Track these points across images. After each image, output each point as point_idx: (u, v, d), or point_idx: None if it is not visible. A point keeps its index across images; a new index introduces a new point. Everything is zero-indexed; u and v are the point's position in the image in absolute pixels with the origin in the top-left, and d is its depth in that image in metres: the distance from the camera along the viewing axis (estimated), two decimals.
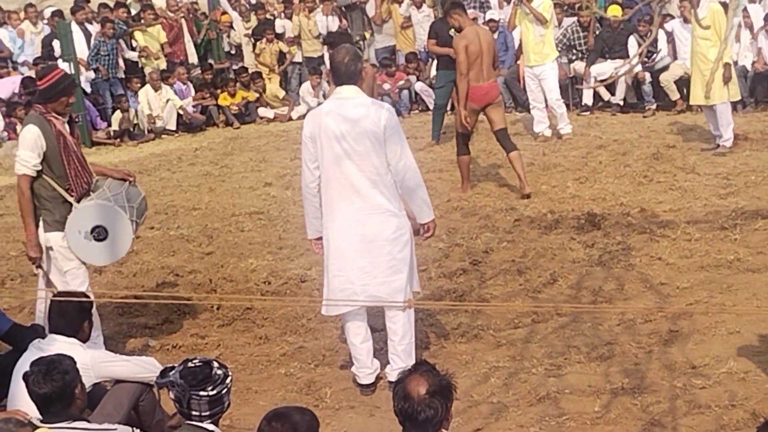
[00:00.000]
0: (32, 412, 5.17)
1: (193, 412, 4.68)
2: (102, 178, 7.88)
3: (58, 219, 7.51)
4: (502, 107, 12.75)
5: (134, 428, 5.43)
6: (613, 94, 17.54)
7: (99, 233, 7.54)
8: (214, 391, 4.68)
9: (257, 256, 10.36)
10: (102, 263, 8.27)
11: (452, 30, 14.88)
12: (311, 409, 6.79)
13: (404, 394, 4.48)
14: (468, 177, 12.56)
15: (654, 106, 17.04)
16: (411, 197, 7.01)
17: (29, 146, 7.38)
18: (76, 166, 7.55)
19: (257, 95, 19.75)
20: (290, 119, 18.93)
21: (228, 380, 4.78)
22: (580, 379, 7.05)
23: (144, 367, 6.02)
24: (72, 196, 7.52)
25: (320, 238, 7.13)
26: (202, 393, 4.65)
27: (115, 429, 5.22)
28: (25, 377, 5.15)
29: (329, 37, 11.53)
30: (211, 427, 4.70)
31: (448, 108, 16.70)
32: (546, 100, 15.46)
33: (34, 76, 18.48)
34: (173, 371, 4.74)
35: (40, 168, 7.43)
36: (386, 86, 18.70)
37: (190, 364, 4.76)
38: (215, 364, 4.80)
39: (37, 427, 4.72)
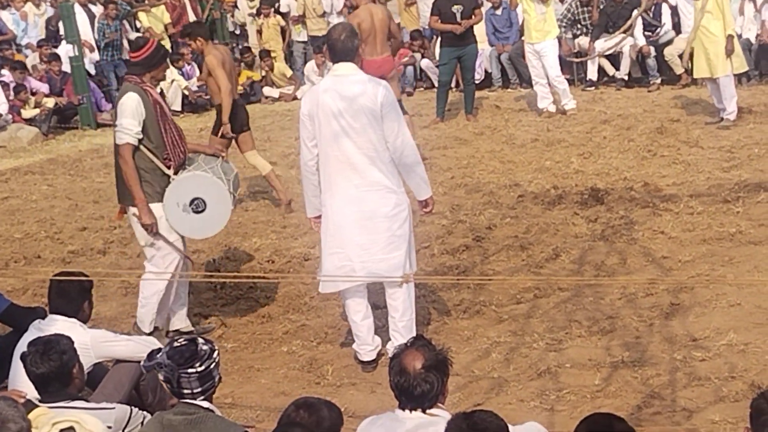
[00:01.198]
0: (32, 392, 5.19)
1: (185, 390, 4.69)
2: (194, 154, 7.87)
3: (158, 191, 7.46)
4: (396, 80, 13.21)
5: (134, 408, 5.45)
6: (617, 69, 17.52)
7: (197, 205, 7.51)
8: (202, 367, 4.68)
9: (261, 236, 10.37)
10: (201, 236, 8.22)
11: (455, 6, 14.94)
12: (314, 387, 6.96)
13: (400, 369, 4.49)
14: None
15: (658, 81, 17.01)
16: (409, 174, 7.00)
17: (130, 113, 7.27)
18: (173, 135, 7.51)
19: (262, 75, 19.74)
20: (295, 98, 18.90)
21: (215, 354, 4.78)
22: (581, 353, 7.07)
23: (145, 347, 5.97)
24: (169, 167, 7.46)
25: (320, 217, 7.14)
26: (190, 370, 4.65)
27: (114, 408, 5.23)
28: (23, 357, 5.17)
29: (186, 28, 11.74)
30: (205, 404, 4.71)
31: (453, 85, 16.69)
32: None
33: (36, 61, 18.55)
34: (160, 353, 4.75)
35: (141, 137, 7.35)
36: None
37: (175, 344, 4.76)
38: (200, 341, 4.79)
39: (36, 407, 4.74)
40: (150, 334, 7.53)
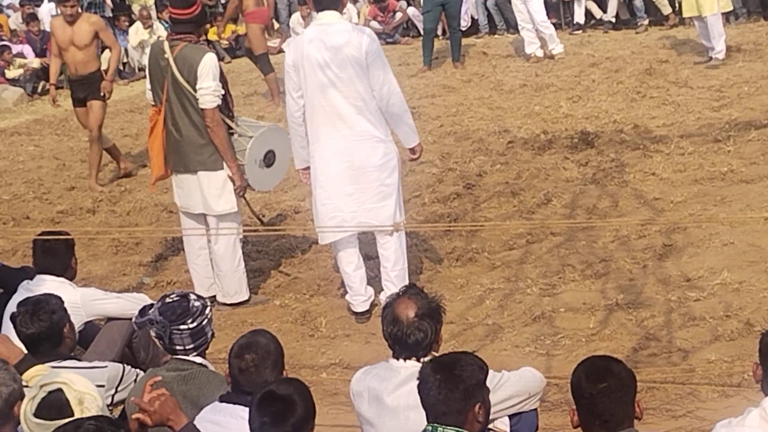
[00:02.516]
0: None
1: (177, 347, 4.65)
2: None
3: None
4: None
5: (127, 365, 5.40)
6: (604, 11, 17.42)
7: (269, 158, 7.52)
8: (195, 324, 4.64)
9: (250, 189, 10.28)
10: (270, 188, 8.26)
11: None
12: (308, 340, 6.94)
13: (393, 318, 4.44)
14: (278, 92, 13.15)
15: (646, 22, 16.92)
16: (396, 123, 6.94)
17: (215, 75, 7.08)
18: (230, 94, 7.40)
19: None
20: (281, 51, 18.73)
21: (207, 311, 4.74)
22: (575, 297, 7.05)
23: (136, 304, 5.88)
24: (235, 126, 7.37)
25: (308, 168, 7.08)
26: (182, 327, 4.61)
27: (106, 366, 5.18)
28: (13, 318, 5.10)
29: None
30: (198, 360, 4.68)
31: (439, 32, 16.58)
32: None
33: (18, 21, 18.37)
34: (152, 309, 4.70)
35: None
36: (375, 24, 18.49)
37: (167, 300, 4.71)
38: (192, 297, 4.75)
39: (34, 365, 4.66)
40: (248, 300, 7.65)
